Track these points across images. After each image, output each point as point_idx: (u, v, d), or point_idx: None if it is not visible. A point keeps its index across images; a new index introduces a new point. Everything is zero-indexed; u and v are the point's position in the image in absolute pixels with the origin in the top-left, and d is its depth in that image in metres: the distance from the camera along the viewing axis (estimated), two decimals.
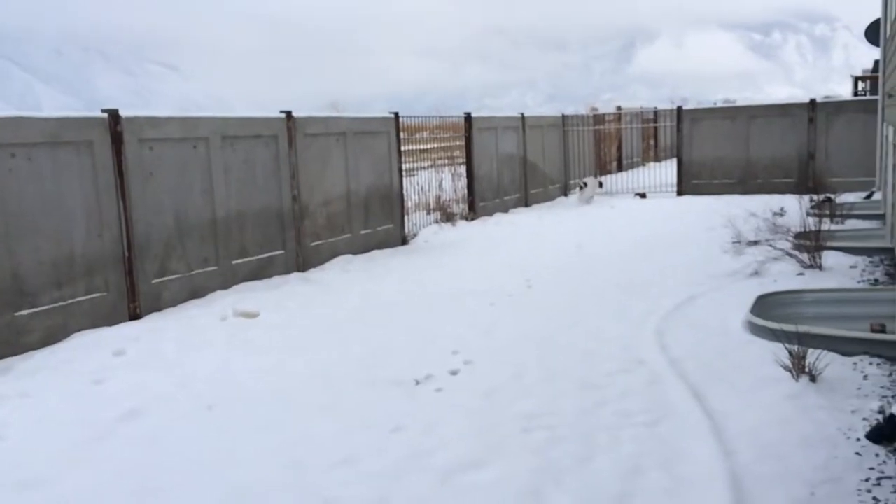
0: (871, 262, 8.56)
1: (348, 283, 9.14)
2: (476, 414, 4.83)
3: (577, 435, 4.41)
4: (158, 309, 7.88)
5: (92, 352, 6.49)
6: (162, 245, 8.00)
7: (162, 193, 7.99)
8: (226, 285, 8.68)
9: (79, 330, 7.08)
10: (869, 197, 13.63)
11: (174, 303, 8.07)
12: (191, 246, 8.32)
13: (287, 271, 9.57)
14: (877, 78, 16.94)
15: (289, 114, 9.71)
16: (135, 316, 7.63)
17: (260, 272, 9.19)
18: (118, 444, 4.66)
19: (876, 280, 7.76)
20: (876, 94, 16.20)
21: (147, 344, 6.72)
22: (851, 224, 10.92)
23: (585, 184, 17.08)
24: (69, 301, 7.05)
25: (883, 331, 5.86)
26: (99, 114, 7.43)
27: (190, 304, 8.10)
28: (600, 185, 17.86)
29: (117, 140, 7.47)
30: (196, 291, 8.32)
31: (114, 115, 7.47)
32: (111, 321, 7.38)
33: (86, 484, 4.14)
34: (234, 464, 4.30)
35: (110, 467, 4.33)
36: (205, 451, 4.49)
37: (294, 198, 9.74)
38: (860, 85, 26.17)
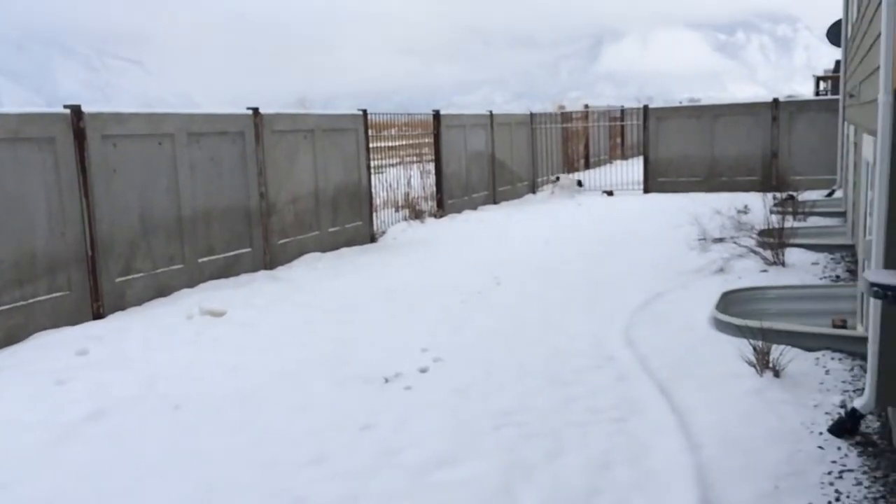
0: (832, 258, 8.74)
1: (316, 280, 9.09)
2: (446, 411, 4.83)
3: (548, 431, 4.43)
4: (122, 308, 7.77)
5: (54, 351, 6.38)
6: (126, 243, 7.88)
7: (126, 191, 7.87)
8: (192, 283, 8.58)
9: (41, 329, 6.95)
10: (830, 195, 13.89)
11: (139, 301, 7.96)
12: (156, 244, 8.21)
13: (254, 269, 9.49)
14: (838, 78, 17.27)
15: (256, 110, 9.63)
16: (98, 315, 7.51)
17: (227, 270, 9.10)
18: (83, 444, 4.58)
19: (837, 276, 7.91)
20: (837, 93, 16.52)
21: (111, 343, 6.62)
22: (813, 221, 11.12)
23: (558, 178, 17.44)
24: (31, 300, 6.92)
25: (844, 326, 5.98)
26: (61, 110, 7.30)
27: (155, 303, 7.99)
28: (580, 183, 18.10)
29: (80, 136, 7.34)
30: (161, 290, 8.22)
31: (76, 111, 7.34)
32: (74, 321, 7.26)
33: (50, 485, 4.07)
34: (201, 463, 4.25)
35: (75, 468, 4.25)
36: (172, 451, 4.44)
37: (261, 195, 9.66)
38: (821, 85, 26.70)
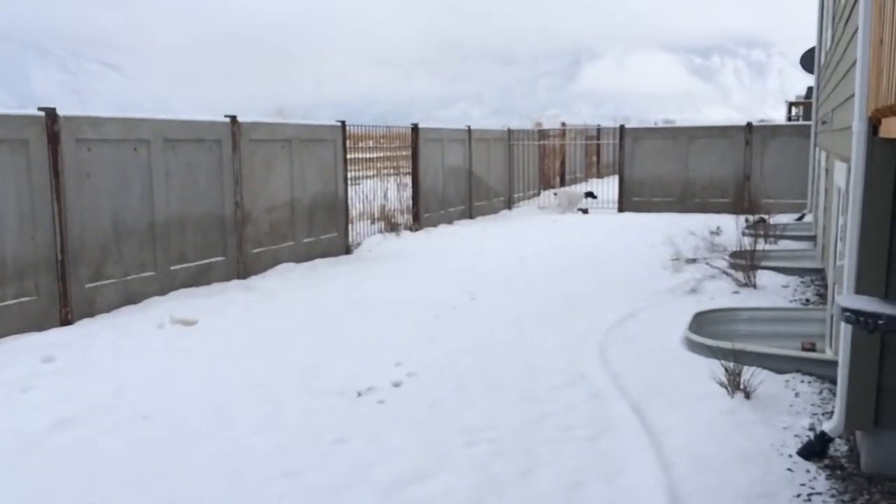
0: (802, 282, 8.85)
1: (290, 291, 9.02)
2: (419, 426, 4.81)
3: (520, 448, 4.42)
4: (91, 315, 7.65)
5: (20, 358, 6.25)
6: (97, 249, 7.77)
7: (99, 196, 7.77)
8: (163, 291, 8.48)
9: (6, 335, 6.82)
10: (800, 219, 14.10)
11: (108, 308, 7.84)
12: (128, 250, 8.11)
13: (227, 278, 9.40)
14: (810, 104, 17.59)
15: (233, 118, 9.57)
16: (66, 321, 7.39)
17: (199, 278, 9.00)
18: (47, 454, 4.48)
19: (807, 300, 8.01)
20: (809, 119, 16.81)
21: (79, 351, 6.51)
22: (784, 245, 11.26)
23: (556, 193, 17.84)
24: None
25: (813, 349, 6.05)
26: (35, 112, 7.20)
27: (125, 310, 7.88)
28: (591, 195, 18.41)
29: (54, 140, 7.24)
30: (132, 297, 8.11)
31: (51, 113, 7.24)
32: (41, 326, 7.13)
33: (13, 497, 3.97)
34: (170, 475, 4.18)
35: (39, 479, 4.16)
36: (139, 462, 4.36)
37: (237, 204, 9.59)
38: (794, 110, 27.08)
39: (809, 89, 21.79)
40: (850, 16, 5.62)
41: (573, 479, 4.03)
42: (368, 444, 4.53)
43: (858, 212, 3.93)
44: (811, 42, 14.50)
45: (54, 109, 7.29)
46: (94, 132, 7.68)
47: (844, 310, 3.12)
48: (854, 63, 4.53)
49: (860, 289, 3.94)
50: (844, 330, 4.07)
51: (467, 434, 4.65)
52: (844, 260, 4.06)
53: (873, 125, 3.87)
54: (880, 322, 3.00)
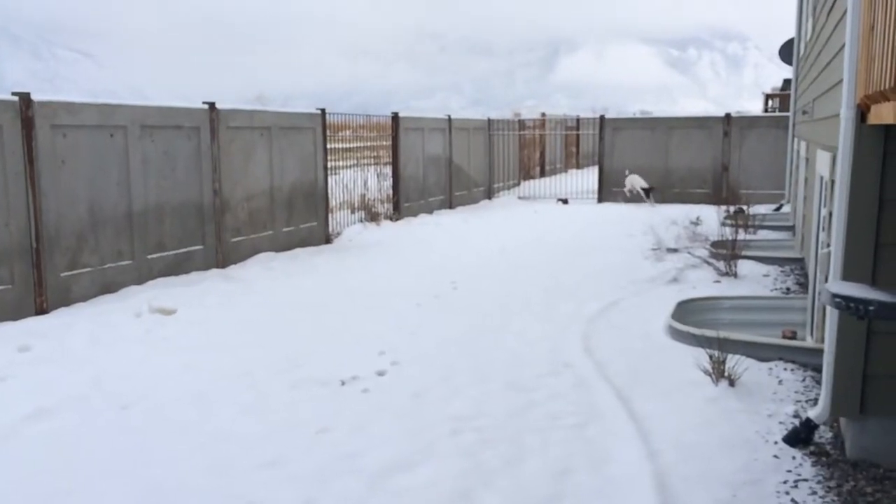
0: (782, 271, 8.91)
1: (270, 280, 8.93)
2: (404, 415, 4.76)
3: (507, 437, 4.39)
4: (67, 304, 7.51)
5: None
6: (73, 237, 7.62)
7: (75, 183, 7.62)
8: (141, 280, 8.35)
9: None
10: (778, 209, 14.20)
11: (85, 297, 7.71)
12: (104, 239, 7.96)
13: (206, 267, 9.28)
14: (786, 96, 17.72)
15: (212, 105, 9.42)
16: (42, 310, 7.25)
17: (177, 268, 8.88)
18: (24, 444, 4.38)
19: (787, 289, 8.07)
20: (785, 111, 16.93)
21: (55, 340, 6.38)
22: (763, 234, 11.35)
23: (635, 188, 16.83)
24: None
25: (794, 337, 6.09)
26: (9, 97, 7.03)
27: (102, 300, 7.75)
28: (648, 192, 16.75)
29: (28, 125, 7.08)
30: (109, 286, 7.97)
31: (25, 98, 7.07)
32: (16, 315, 6.99)
33: None
34: (150, 465, 4.10)
35: (16, 469, 4.06)
36: (119, 451, 4.28)
37: (215, 192, 9.46)
38: (770, 102, 27.27)
39: (786, 81, 21.94)
40: (835, 3, 5.63)
41: (560, 467, 4.01)
42: (354, 434, 4.48)
43: (846, 199, 3.93)
44: (787, 35, 14.59)
45: (28, 94, 7.13)
46: (69, 118, 7.52)
47: (834, 296, 3.11)
48: (840, 50, 4.53)
49: (847, 276, 3.94)
50: (831, 317, 4.07)
51: (453, 423, 4.61)
52: (831, 247, 4.06)
53: (861, 112, 3.87)
54: (871, 308, 3.00)
